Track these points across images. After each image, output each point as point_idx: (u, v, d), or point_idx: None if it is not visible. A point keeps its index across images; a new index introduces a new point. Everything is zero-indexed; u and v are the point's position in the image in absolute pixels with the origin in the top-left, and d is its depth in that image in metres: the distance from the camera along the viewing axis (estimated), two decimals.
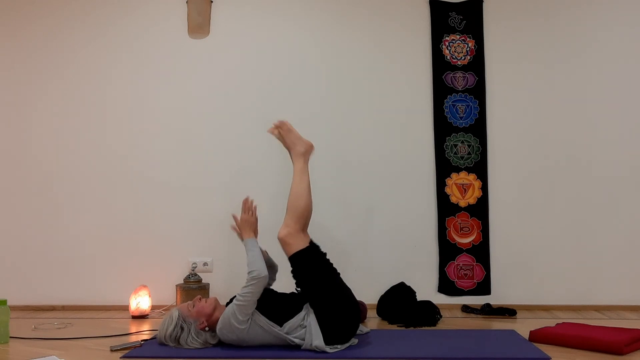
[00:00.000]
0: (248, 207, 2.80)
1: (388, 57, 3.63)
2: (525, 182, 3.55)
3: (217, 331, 2.53)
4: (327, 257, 2.71)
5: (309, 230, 2.82)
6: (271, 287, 2.80)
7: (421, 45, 3.64)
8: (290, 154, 2.88)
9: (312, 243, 2.70)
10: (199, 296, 2.66)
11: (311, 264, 2.61)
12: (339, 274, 2.67)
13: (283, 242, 2.64)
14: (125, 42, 3.67)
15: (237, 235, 2.83)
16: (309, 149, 2.87)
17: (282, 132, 2.89)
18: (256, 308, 2.52)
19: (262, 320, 2.50)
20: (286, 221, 2.68)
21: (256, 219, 2.80)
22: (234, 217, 2.81)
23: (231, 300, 2.59)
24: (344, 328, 2.52)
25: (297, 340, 2.49)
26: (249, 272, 2.52)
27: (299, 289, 2.65)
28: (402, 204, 3.57)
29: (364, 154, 3.60)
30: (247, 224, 2.76)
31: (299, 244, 2.63)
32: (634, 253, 3.48)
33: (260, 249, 2.72)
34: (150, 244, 3.57)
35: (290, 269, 2.64)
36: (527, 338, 2.68)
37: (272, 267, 2.85)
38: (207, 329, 2.56)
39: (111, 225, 3.59)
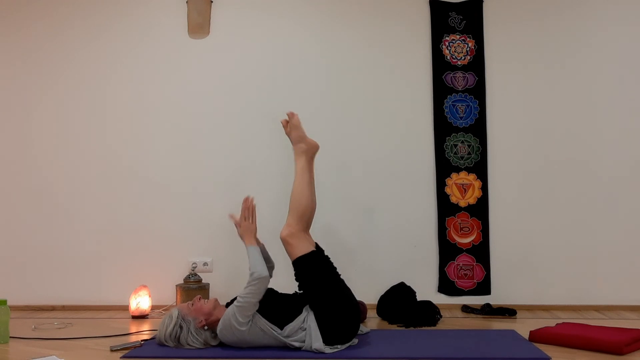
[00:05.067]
0: (248, 215, 2.75)
1: (388, 57, 3.63)
2: (525, 182, 3.55)
3: (218, 332, 2.53)
4: (330, 259, 2.71)
5: (311, 230, 2.83)
6: (272, 288, 2.79)
7: (421, 45, 3.64)
8: (293, 150, 2.88)
9: (316, 247, 2.70)
10: (198, 296, 2.66)
11: (314, 269, 2.60)
12: (340, 275, 2.67)
13: (285, 242, 2.64)
14: (125, 43, 3.68)
15: (236, 232, 2.81)
16: (311, 148, 2.86)
17: (291, 126, 2.89)
18: (258, 311, 2.51)
19: (263, 322, 2.49)
20: (288, 221, 2.68)
21: (255, 224, 2.77)
22: (235, 225, 2.78)
23: (232, 301, 2.59)
24: (345, 329, 2.52)
25: (296, 344, 2.49)
26: (250, 274, 2.52)
27: (300, 291, 2.65)
28: (402, 204, 3.57)
29: (364, 154, 3.60)
30: (247, 231, 2.73)
31: (301, 246, 2.62)
32: (634, 253, 3.48)
33: (258, 241, 2.74)
34: (150, 244, 3.58)
35: (293, 270, 2.64)
36: (527, 338, 2.68)
37: (268, 262, 2.83)
38: (206, 327, 2.56)
39: (111, 225, 3.59)
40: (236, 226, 2.78)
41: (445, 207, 3.56)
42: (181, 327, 2.54)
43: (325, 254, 2.73)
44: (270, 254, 2.86)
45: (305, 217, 2.71)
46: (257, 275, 2.51)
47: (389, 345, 2.61)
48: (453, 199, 3.57)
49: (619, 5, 3.58)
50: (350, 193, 3.58)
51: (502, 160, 3.57)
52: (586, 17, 3.60)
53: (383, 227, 3.56)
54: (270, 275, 2.81)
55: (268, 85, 3.63)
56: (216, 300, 2.64)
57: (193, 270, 3.46)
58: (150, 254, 3.57)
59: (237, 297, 2.51)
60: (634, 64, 3.56)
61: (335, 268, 2.69)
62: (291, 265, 2.65)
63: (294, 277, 2.64)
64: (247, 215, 2.76)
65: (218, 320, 2.54)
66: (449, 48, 3.63)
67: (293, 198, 2.73)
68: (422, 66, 3.63)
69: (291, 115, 2.91)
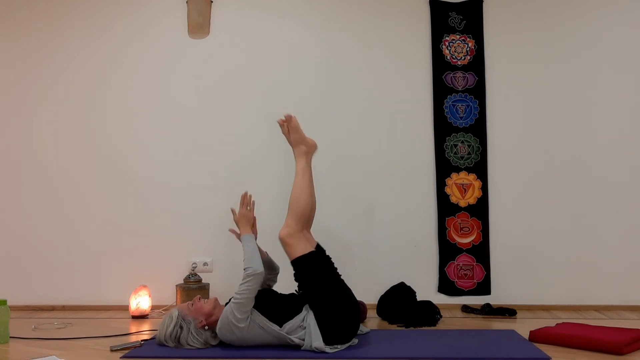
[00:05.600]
0: (246, 202, 2.81)
1: (388, 57, 3.63)
2: (525, 182, 3.55)
3: (217, 331, 2.53)
4: (330, 258, 2.72)
5: (310, 230, 2.83)
6: (272, 289, 2.80)
7: (421, 45, 3.64)
8: (293, 152, 2.89)
9: (317, 247, 2.71)
10: (198, 296, 2.66)
11: (313, 270, 2.60)
12: (340, 275, 2.68)
13: (283, 242, 2.64)
14: (125, 42, 3.68)
15: (235, 237, 2.84)
16: (311, 150, 2.88)
17: (289, 128, 2.89)
18: (256, 309, 2.52)
19: (262, 319, 2.50)
20: (287, 221, 2.68)
21: (254, 216, 2.81)
22: (232, 211, 2.81)
23: (229, 301, 2.59)
24: (344, 329, 2.52)
25: (297, 340, 2.49)
26: (244, 269, 2.53)
27: (299, 291, 2.65)
28: (402, 204, 3.57)
29: (364, 154, 3.60)
30: (244, 218, 2.77)
31: (300, 247, 2.62)
32: (634, 253, 3.48)
33: (261, 250, 2.73)
34: (150, 244, 3.58)
35: (292, 271, 2.64)
36: (527, 338, 2.68)
37: (273, 269, 2.85)
38: (206, 327, 2.56)
39: (111, 225, 3.59)
40: (234, 219, 2.80)
41: (445, 207, 3.56)
42: (181, 328, 2.54)
43: (327, 254, 2.73)
44: (270, 255, 2.86)
45: (304, 217, 2.72)
46: (252, 271, 2.52)
47: (389, 345, 2.61)
48: (453, 199, 3.57)
49: (619, 5, 3.58)
50: (350, 193, 3.58)
51: (502, 160, 3.57)
52: (586, 17, 3.60)
53: (383, 227, 3.56)
54: (275, 280, 2.83)
55: (268, 85, 3.63)
56: (216, 300, 2.64)
57: (193, 270, 3.46)
58: (150, 254, 3.57)
59: (234, 295, 2.52)
60: (634, 65, 3.55)
61: (336, 268, 2.69)
62: (290, 266, 2.65)
63: (293, 278, 2.64)
64: (244, 205, 2.80)
65: (217, 320, 2.54)
66: (449, 48, 3.63)
67: (292, 199, 2.73)
68: (422, 66, 3.63)
69: (289, 118, 2.89)
